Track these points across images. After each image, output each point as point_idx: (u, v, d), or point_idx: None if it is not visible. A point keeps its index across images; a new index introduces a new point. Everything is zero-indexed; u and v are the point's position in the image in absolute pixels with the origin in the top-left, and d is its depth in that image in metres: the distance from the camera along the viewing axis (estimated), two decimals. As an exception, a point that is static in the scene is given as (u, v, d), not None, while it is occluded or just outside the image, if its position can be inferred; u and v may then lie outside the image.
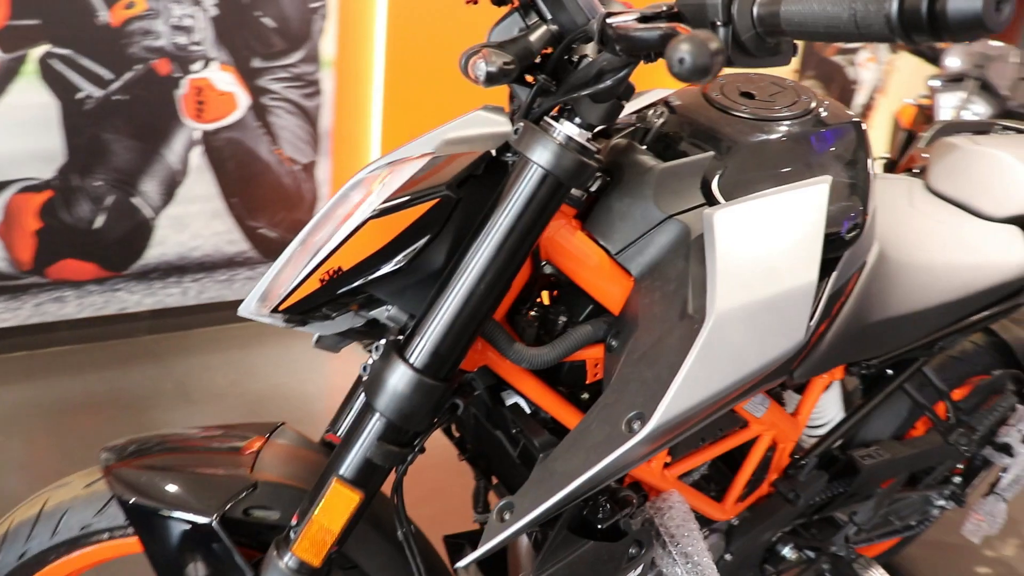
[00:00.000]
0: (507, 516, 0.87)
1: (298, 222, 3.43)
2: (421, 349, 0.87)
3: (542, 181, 0.83)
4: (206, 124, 3.11)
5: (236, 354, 3.11)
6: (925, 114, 4.42)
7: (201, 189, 3.15)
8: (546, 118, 0.85)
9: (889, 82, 6.67)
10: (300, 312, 0.92)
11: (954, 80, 4.22)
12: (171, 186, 3.09)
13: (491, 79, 0.77)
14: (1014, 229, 1.45)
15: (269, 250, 3.37)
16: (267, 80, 3.22)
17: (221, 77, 3.10)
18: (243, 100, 3.17)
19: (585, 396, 1.08)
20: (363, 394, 1.12)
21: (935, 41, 0.56)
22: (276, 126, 3.28)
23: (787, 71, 5.48)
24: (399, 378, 0.86)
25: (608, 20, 0.73)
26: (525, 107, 0.87)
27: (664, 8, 0.71)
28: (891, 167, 4.60)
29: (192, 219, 3.16)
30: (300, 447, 1.07)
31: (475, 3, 0.98)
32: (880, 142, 7.08)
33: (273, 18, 3.17)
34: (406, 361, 0.87)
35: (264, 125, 3.25)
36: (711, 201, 0.93)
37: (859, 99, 6.43)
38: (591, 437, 0.85)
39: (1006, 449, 1.62)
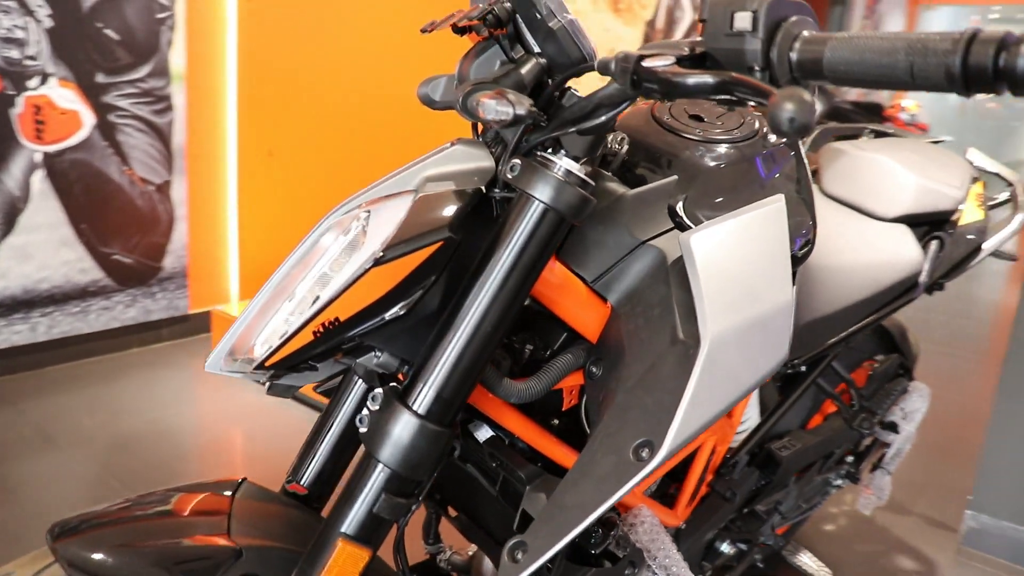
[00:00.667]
0: (520, 555, 0.87)
1: (155, 246, 3.23)
2: (425, 395, 0.85)
3: (544, 217, 0.84)
4: (47, 146, 2.86)
5: (99, 391, 2.89)
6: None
7: (45, 216, 2.90)
8: (540, 153, 0.85)
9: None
10: (287, 366, 0.87)
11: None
12: (11, 214, 2.82)
13: (518, 121, 0.76)
14: (903, 227, 1.59)
15: (125, 277, 3.15)
16: (113, 96, 3.00)
17: (62, 94, 2.86)
18: (88, 119, 2.94)
19: (556, 422, 1.09)
20: (347, 445, 1.08)
21: (995, 94, 0.59)
22: (126, 145, 3.07)
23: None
24: (404, 427, 0.84)
25: (644, 63, 0.73)
26: (515, 142, 0.87)
27: (687, 51, 0.73)
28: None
29: (37, 248, 2.91)
30: (270, 503, 1.02)
31: (429, 32, 0.97)
32: None
33: (116, 30, 2.96)
34: (410, 409, 0.85)
35: (112, 144, 3.03)
36: (679, 225, 0.96)
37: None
38: (598, 468, 0.86)
39: (892, 427, 1.78)
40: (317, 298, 0.85)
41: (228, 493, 1.00)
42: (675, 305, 0.89)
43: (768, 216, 0.94)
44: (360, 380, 1.05)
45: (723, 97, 0.70)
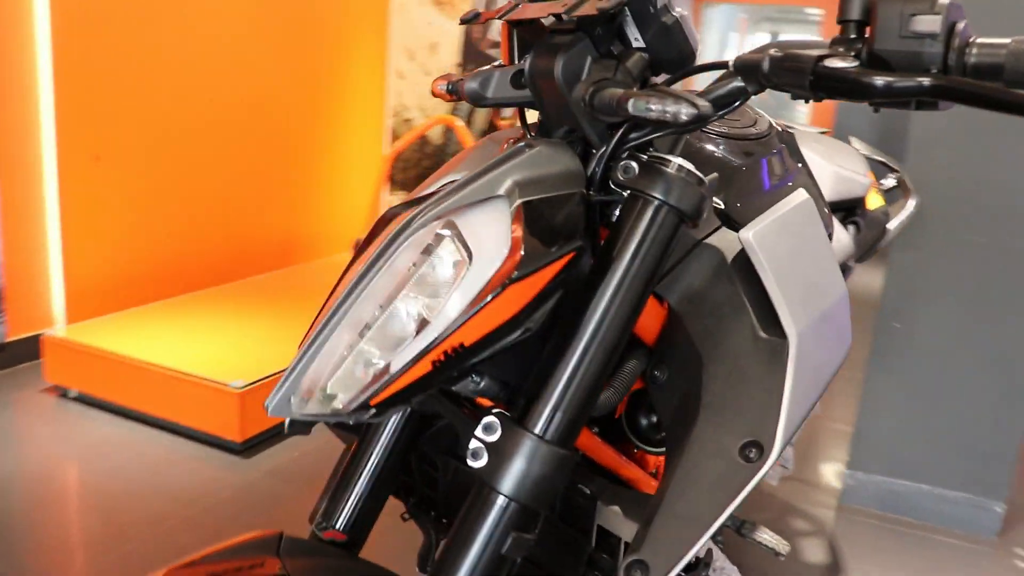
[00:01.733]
0: (640, 574, 0.83)
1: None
2: (549, 418, 0.78)
3: (666, 219, 0.80)
4: None
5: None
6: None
7: None
8: (652, 152, 0.81)
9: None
10: (394, 403, 0.77)
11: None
12: None
13: (702, 120, 0.71)
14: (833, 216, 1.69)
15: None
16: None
17: None
18: None
19: (595, 430, 1.06)
20: (384, 483, 0.98)
21: None
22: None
23: (450, 63, 5.68)
24: (531, 455, 0.77)
25: (826, 63, 0.70)
26: (616, 142, 0.82)
27: (855, 52, 0.71)
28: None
29: None
30: (321, 557, 0.90)
31: (475, 22, 0.90)
32: None
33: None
34: (534, 434, 0.78)
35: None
36: (729, 222, 0.95)
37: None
38: (705, 474, 0.83)
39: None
40: (423, 324, 0.75)
41: (273, 554, 0.88)
42: (746, 302, 0.89)
43: (804, 210, 0.96)
44: (401, 413, 0.96)
45: (897, 101, 0.69)
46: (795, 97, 0.76)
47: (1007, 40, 0.68)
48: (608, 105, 0.75)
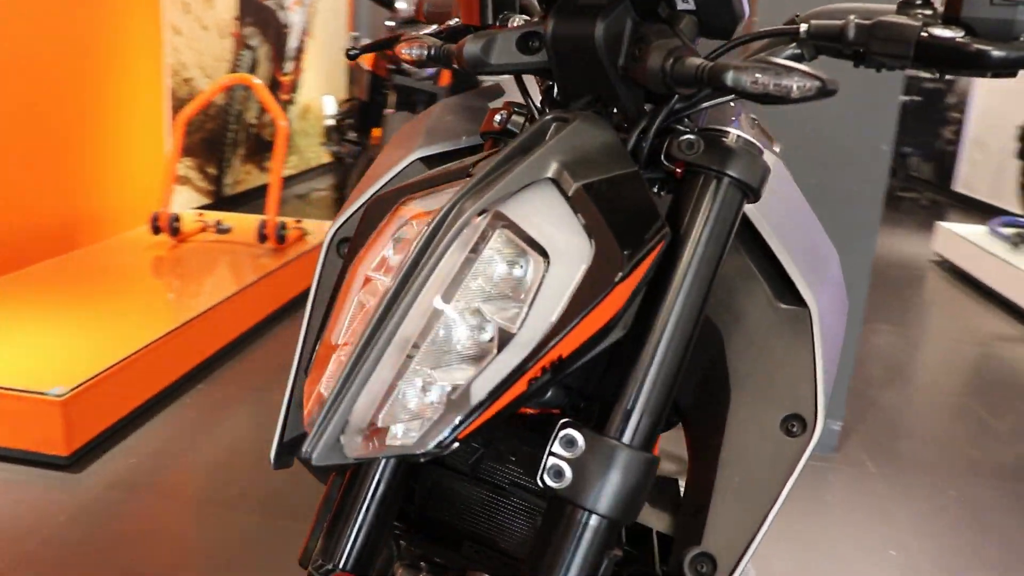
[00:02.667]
0: (708, 567, 0.79)
1: None
2: (636, 422, 0.71)
3: (733, 196, 0.74)
4: None
5: None
6: (386, 54, 4.70)
7: None
8: (713, 125, 0.75)
9: (314, 24, 6.85)
10: (481, 431, 0.66)
11: (409, 22, 4.55)
12: None
13: (825, 95, 0.63)
14: None
15: None
16: None
17: None
18: None
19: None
20: (387, 512, 0.87)
21: None
22: None
23: (228, 16, 5.26)
24: (623, 466, 0.70)
25: (933, 32, 0.65)
26: (665, 115, 0.76)
27: (932, 15, 0.67)
28: (372, 106, 4.82)
29: None
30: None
31: None
32: (341, 84, 7.32)
33: None
34: (620, 442, 0.71)
35: None
36: None
37: (292, 42, 6.50)
38: (754, 454, 0.80)
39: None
40: (505, 337, 0.65)
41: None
42: (757, 272, 0.86)
43: (782, 174, 0.95)
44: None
45: (1006, 72, 0.66)
46: (882, 67, 0.72)
47: None
48: (691, 76, 0.67)
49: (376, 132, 4.51)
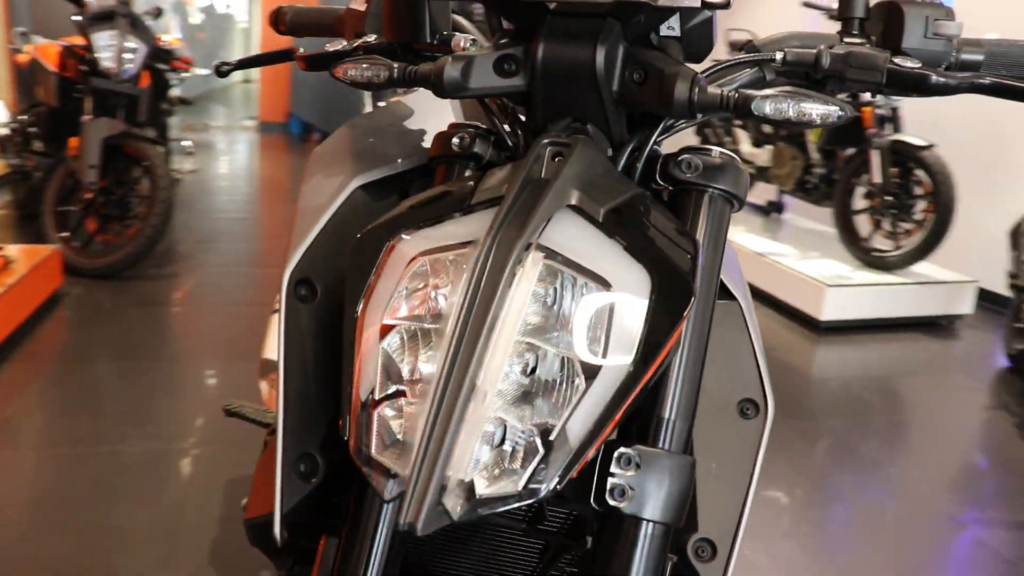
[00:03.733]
0: (706, 552, 0.83)
1: None
2: (676, 429, 0.74)
3: (724, 209, 0.78)
4: None
5: None
6: (77, 54, 4.20)
7: None
8: (708, 146, 0.79)
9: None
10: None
11: (102, 18, 4.10)
12: None
13: (847, 121, 0.69)
14: None
15: None
16: None
17: None
18: None
19: None
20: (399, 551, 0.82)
21: None
22: None
23: None
24: (675, 472, 0.72)
25: (898, 63, 0.74)
26: (657, 136, 0.78)
27: (869, 44, 0.77)
28: (64, 113, 4.28)
29: None
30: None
31: None
32: (3, 86, 6.28)
33: None
34: (668, 451, 0.73)
35: None
36: None
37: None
38: (722, 438, 0.86)
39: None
40: (592, 372, 0.64)
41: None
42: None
43: None
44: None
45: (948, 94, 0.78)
46: (849, 91, 0.81)
47: (982, 38, 0.83)
48: (716, 103, 0.70)
49: (73, 142, 4.01)
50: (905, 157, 4.14)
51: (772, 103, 0.69)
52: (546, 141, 0.72)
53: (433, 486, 0.61)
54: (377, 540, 0.78)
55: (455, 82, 0.77)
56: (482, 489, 0.63)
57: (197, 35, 12.85)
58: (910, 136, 4.11)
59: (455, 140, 0.84)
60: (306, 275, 0.84)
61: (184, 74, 5.94)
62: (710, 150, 0.80)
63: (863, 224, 4.40)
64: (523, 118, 0.84)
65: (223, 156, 8.29)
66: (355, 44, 0.96)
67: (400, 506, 0.61)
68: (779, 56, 0.81)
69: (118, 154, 4.10)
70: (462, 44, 0.89)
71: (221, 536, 2.07)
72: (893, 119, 4.19)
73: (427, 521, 0.60)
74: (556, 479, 0.63)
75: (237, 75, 16.39)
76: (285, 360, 0.80)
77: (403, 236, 0.72)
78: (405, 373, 0.68)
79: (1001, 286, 4.18)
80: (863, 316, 4.04)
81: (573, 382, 0.65)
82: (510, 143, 0.85)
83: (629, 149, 0.80)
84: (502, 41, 0.80)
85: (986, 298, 4.35)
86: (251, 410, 1.67)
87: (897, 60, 0.77)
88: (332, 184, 0.90)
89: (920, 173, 4.12)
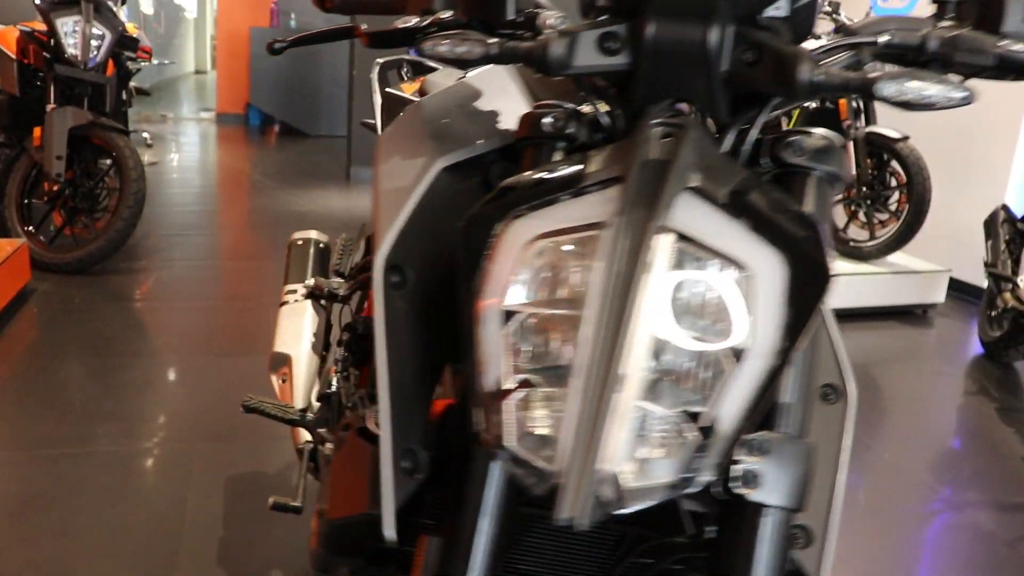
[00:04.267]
0: (801, 539, 0.81)
1: None
2: (794, 414, 0.74)
3: (829, 188, 0.77)
4: None
5: None
6: (39, 40, 4.04)
7: None
8: (802, 128, 0.76)
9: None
10: None
11: (66, 3, 3.96)
12: None
13: (966, 104, 0.67)
14: None
15: None
16: None
17: None
18: None
19: None
20: None
21: None
22: None
23: None
24: (801, 457, 0.72)
25: (1009, 48, 0.71)
26: (764, 116, 0.75)
27: (958, 28, 0.75)
28: (27, 102, 4.13)
29: None
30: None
31: None
32: None
33: None
34: (790, 435, 0.73)
35: None
36: None
37: None
38: (808, 423, 0.85)
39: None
40: (738, 356, 0.62)
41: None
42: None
43: None
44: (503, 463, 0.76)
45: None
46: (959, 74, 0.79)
47: None
48: (838, 84, 0.69)
49: (37, 132, 3.87)
50: (880, 148, 4.19)
51: (895, 85, 0.68)
52: (655, 121, 0.70)
53: (590, 479, 0.59)
54: (484, 538, 0.75)
55: (561, 60, 0.74)
56: (634, 481, 0.61)
57: (152, 25, 12.53)
58: (884, 128, 4.17)
59: (547, 120, 0.81)
60: (396, 261, 0.80)
61: (143, 63, 5.78)
62: (811, 131, 0.79)
63: (839, 215, 4.45)
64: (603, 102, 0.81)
65: (182, 148, 8.10)
66: (428, 20, 0.92)
67: (554, 501, 0.59)
68: (883, 39, 0.79)
69: (84, 145, 3.96)
70: (549, 21, 0.85)
71: (195, 538, 2.01)
72: (866, 111, 4.25)
73: (584, 515, 0.58)
74: (713, 467, 0.61)
75: (190, 66, 16.07)
76: (387, 346, 0.76)
77: (515, 219, 0.69)
78: (537, 362, 0.65)
79: (971, 275, 4.28)
80: (840, 305, 4.09)
81: (715, 368, 0.64)
82: (606, 124, 0.82)
83: (736, 131, 0.78)
84: (601, 19, 0.77)
85: (956, 287, 4.44)
86: (270, 405, 1.61)
87: (1012, 47, 0.75)
88: (414, 166, 0.86)
89: (895, 165, 4.18)
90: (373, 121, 2.31)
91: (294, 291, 1.92)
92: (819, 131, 0.79)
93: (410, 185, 0.84)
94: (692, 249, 0.63)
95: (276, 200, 5.96)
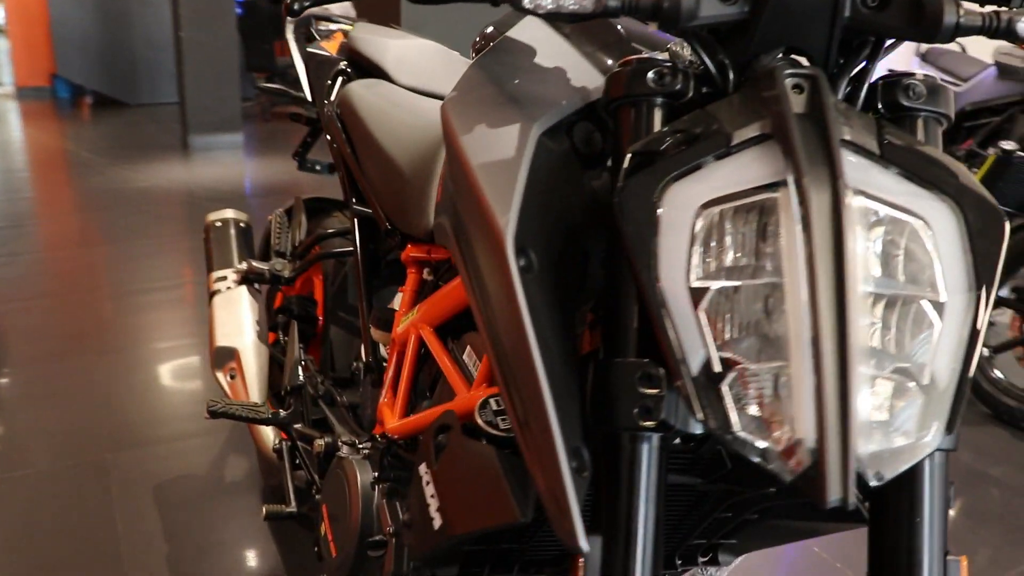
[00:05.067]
0: None
1: None
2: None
3: (938, 129, 0.76)
4: None
5: None
6: None
7: None
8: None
9: None
10: None
11: None
12: None
13: None
14: None
15: None
16: None
17: None
18: None
19: None
20: None
21: None
22: None
23: None
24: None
25: None
26: (880, 56, 0.72)
27: None
28: None
29: None
30: None
31: None
32: None
33: None
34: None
35: None
36: None
37: None
38: None
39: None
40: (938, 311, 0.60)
41: None
42: None
43: None
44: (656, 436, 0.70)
45: None
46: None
47: None
48: (980, 26, 0.67)
49: None
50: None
51: None
52: (788, 72, 0.66)
53: (850, 456, 0.56)
54: (650, 524, 0.69)
55: (690, 11, 0.69)
56: (881, 448, 0.59)
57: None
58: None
59: (651, 76, 0.74)
60: (522, 243, 0.71)
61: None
62: (914, 73, 0.77)
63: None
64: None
65: (-19, 130, 7.26)
66: None
67: (815, 482, 0.56)
68: None
69: None
70: None
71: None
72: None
73: (852, 494, 0.55)
74: (945, 423, 0.61)
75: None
76: (538, 346, 0.68)
77: (668, 189, 0.64)
78: (742, 337, 0.61)
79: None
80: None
81: (922, 324, 0.62)
82: (717, 78, 0.75)
83: (848, 77, 0.75)
84: None
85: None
86: (239, 407, 1.46)
87: None
88: (508, 135, 0.77)
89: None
90: (277, 86, 2.13)
91: (224, 278, 1.74)
92: (919, 73, 0.77)
93: (513, 157, 0.75)
94: (871, 204, 0.61)
95: (112, 178, 5.46)
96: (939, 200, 0.64)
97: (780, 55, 0.72)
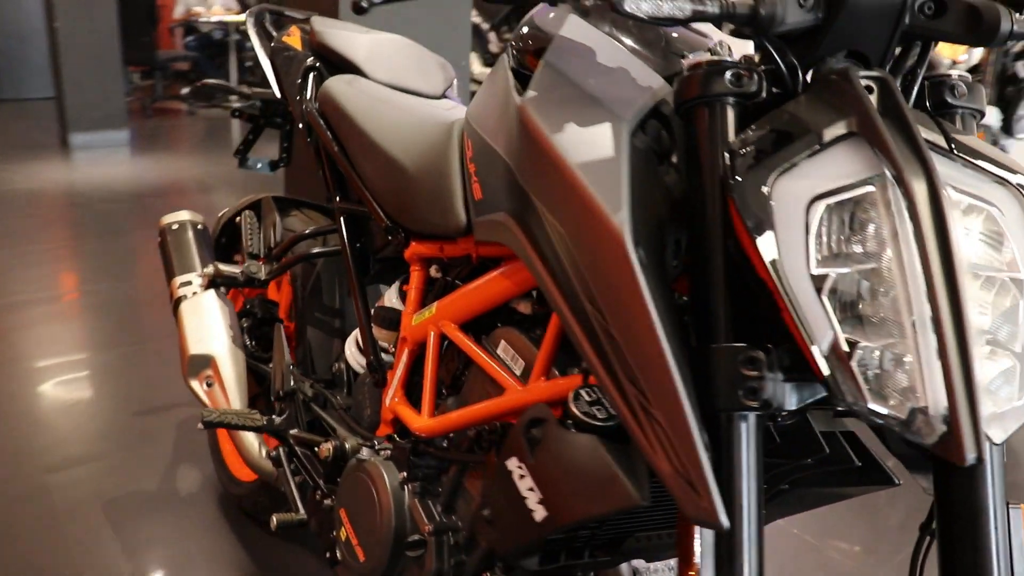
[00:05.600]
0: None
1: None
2: None
3: (974, 126, 0.83)
4: None
5: None
6: None
7: None
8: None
9: None
10: None
11: None
12: None
13: None
14: (449, 102, 1.64)
15: None
16: None
17: None
18: None
19: None
20: None
21: None
22: None
23: None
24: None
25: None
26: (926, 58, 0.79)
27: None
28: None
29: None
30: None
31: None
32: None
33: None
34: None
35: None
36: None
37: None
38: None
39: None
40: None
41: None
42: None
43: None
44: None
45: None
46: None
47: None
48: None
49: None
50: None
51: None
52: (863, 74, 0.73)
53: (979, 419, 0.63)
54: (754, 497, 0.73)
55: (781, 17, 0.74)
56: (999, 409, 0.68)
57: None
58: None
59: (728, 76, 0.77)
60: (636, 239, 0.74)
61: None
62: (950, 73, 0.85)
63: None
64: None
65: None
66: None
67: (951, 444, 0.63)
68: None
69: None
70: None
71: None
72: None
73: (984, 452, 0.64)
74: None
75: None
76: (667, 344, 0.71)
77: (776, 183, 0.70)
78: (864, 317, 0.68)
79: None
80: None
81: (1005, 299, 0.70)
82: (788, 79, 0.80)
83: (900, 78, 0.82)
84: None
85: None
86: (232, 415, 1.41)
87: None
88: (603, 134, 0.79)
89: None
90: (220, 81, 2.06)
91: (188, 283, 1.68)
92: (955, 72, 0.84)
93: (612, 155, 0.78)
94: (955, 195, 0.70)
95: (-15, 180, 5.09)
96: (1004, 189, 0.73)
97: (844, 57, 0.77)
